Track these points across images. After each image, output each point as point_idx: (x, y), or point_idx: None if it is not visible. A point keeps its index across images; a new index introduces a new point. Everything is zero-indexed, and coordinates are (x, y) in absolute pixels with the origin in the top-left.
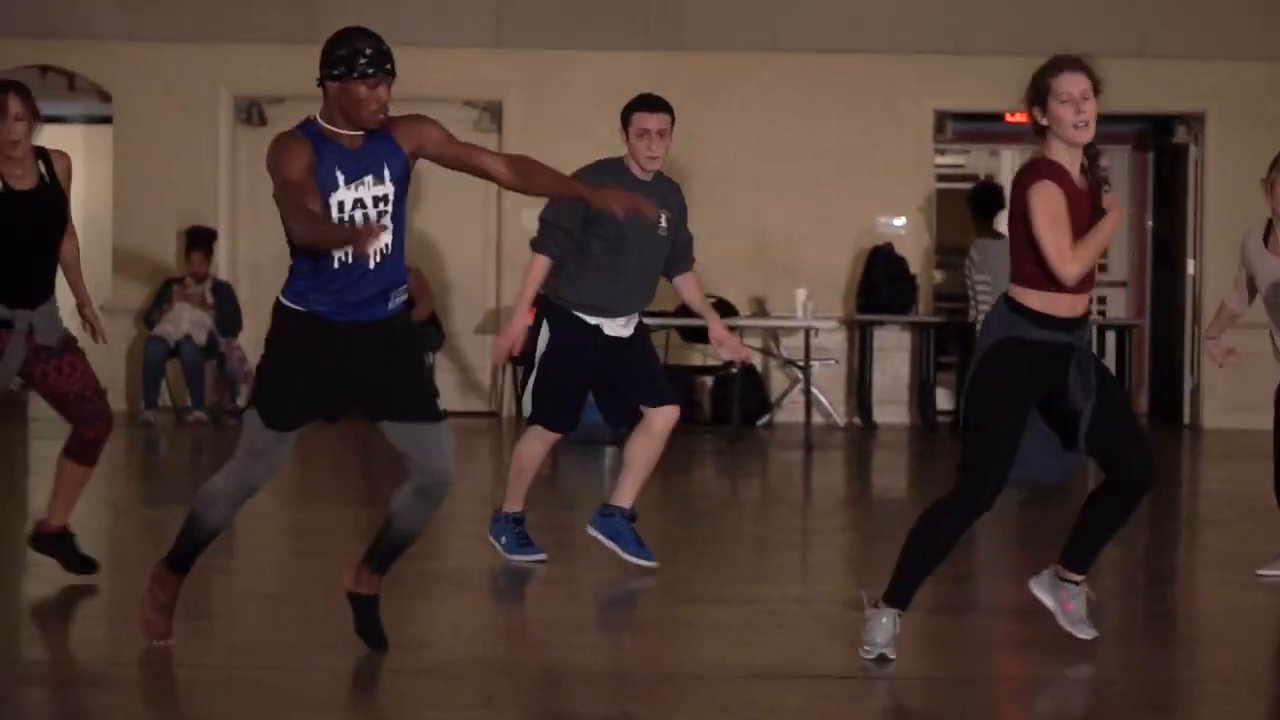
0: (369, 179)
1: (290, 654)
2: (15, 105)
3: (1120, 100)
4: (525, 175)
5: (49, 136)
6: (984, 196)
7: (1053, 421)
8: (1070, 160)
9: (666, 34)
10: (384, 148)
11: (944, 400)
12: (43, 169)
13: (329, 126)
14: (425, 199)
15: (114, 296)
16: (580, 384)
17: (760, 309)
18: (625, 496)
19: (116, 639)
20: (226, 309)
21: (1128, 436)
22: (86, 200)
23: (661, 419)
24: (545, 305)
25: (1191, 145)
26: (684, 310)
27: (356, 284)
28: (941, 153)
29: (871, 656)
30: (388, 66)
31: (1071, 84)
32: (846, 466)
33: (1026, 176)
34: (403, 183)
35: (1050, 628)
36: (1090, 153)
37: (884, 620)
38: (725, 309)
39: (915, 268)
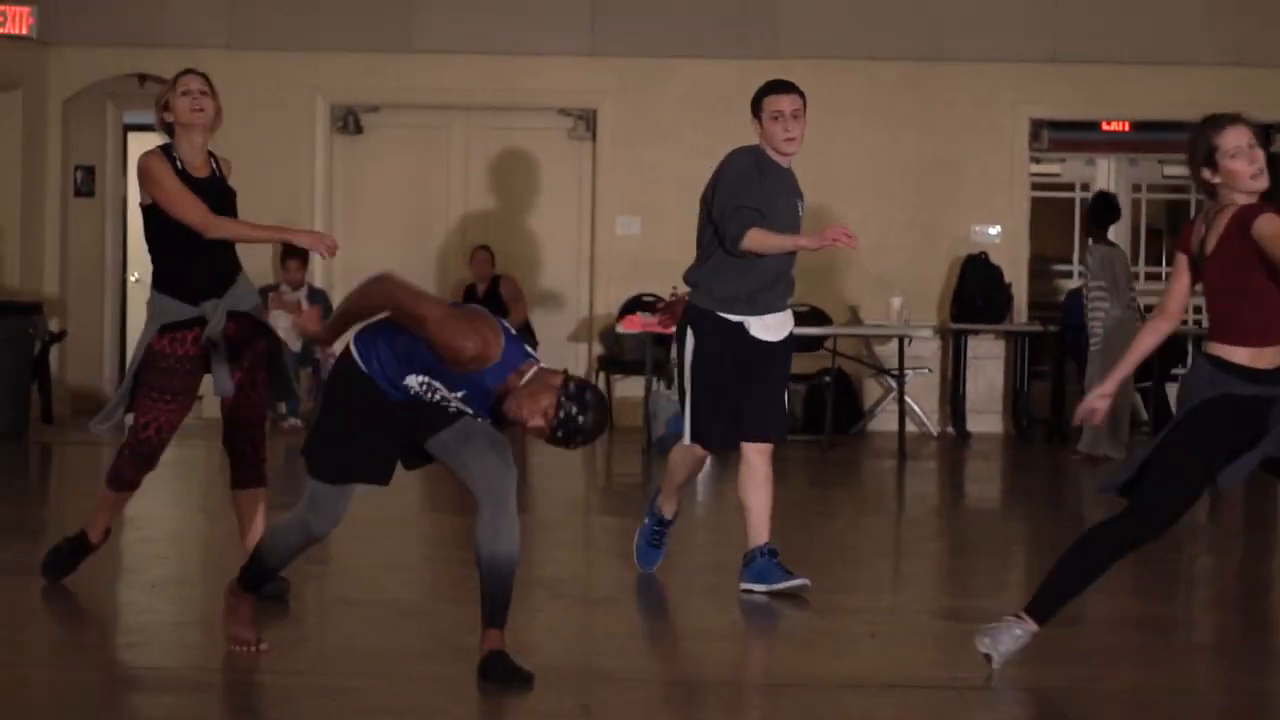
0: (460, 394)
1: (382, 661)
2: (196, 81)
3: (1218, 109)
4: None
5: (146, 143)
6: (1101, 205)
7: None
8: None
9: (762, 42)
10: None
11: (1039, 410)
12: (213, 164)
13: (505, 390)
14: (520, 207)
15: None
16: (730, 389)
17: (854, 317)
18: (759, 536)
19: (209, 645)
20: (322, 316)
21: None
22: None
23: (755, 453)
24: (688, 312)
25: None
26: None
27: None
28: (1037, 161)
29: (982, 650)
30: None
31: (1239, 137)
32: (940, 476)
33: (1243, 219)
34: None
35: (1148, 640)
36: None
37: (1016, 632)
38: (819, 317)
39: (1010, 277)
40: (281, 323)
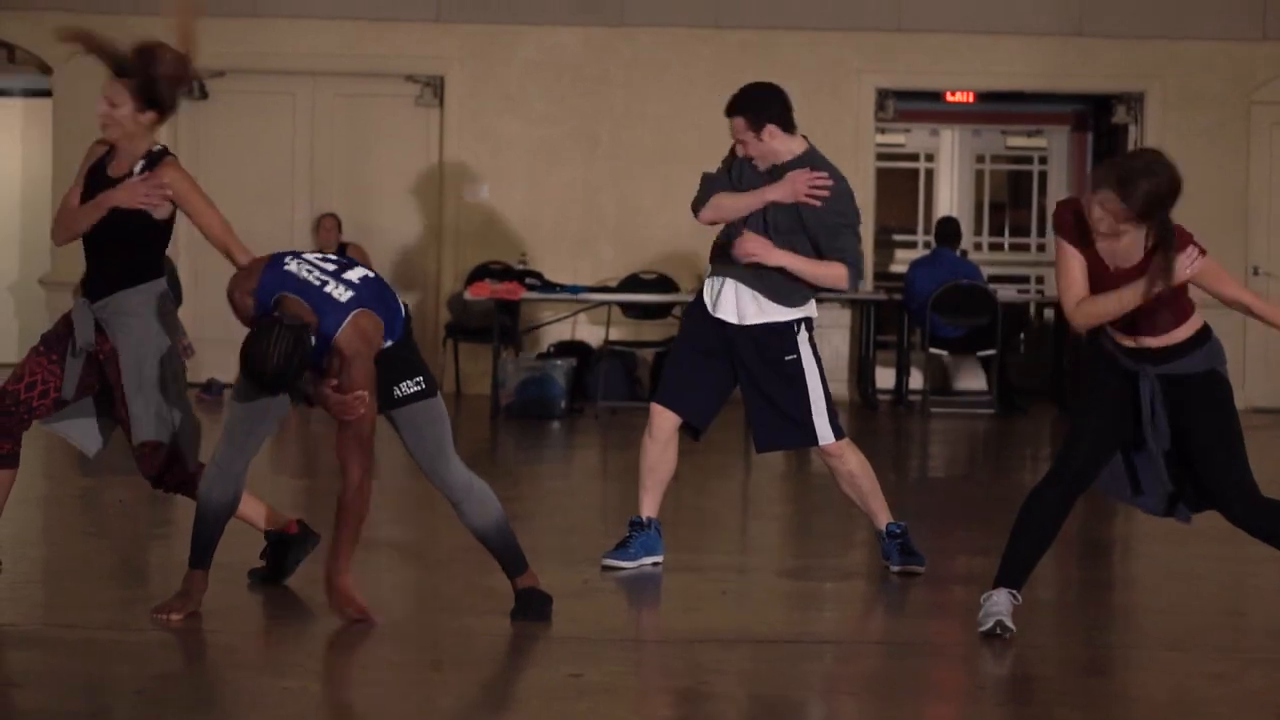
0: None
1: (237, 618)
2: (110, 88)
3: (1059, 80)
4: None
5: None
6: None
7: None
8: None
9: (609, 10)
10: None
11: (883, 378)
12: (138, 169)
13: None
14: (368, 174)
15: (54, 270)
16: (688, 355)
17: (702, 283)
18: (879, 518)
19: (50, 602)
20: (169, 283)
21: None
22: (26, 173)
23: (826, 457)
24: None
25: (1131, 125)
26: (626, 285)
27: None
28: (882, 131)
29: (987, 626)
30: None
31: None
32: None
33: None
34: None
35: None
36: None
37: (1000, 598)
38: (667, 285)
39: None
40: None
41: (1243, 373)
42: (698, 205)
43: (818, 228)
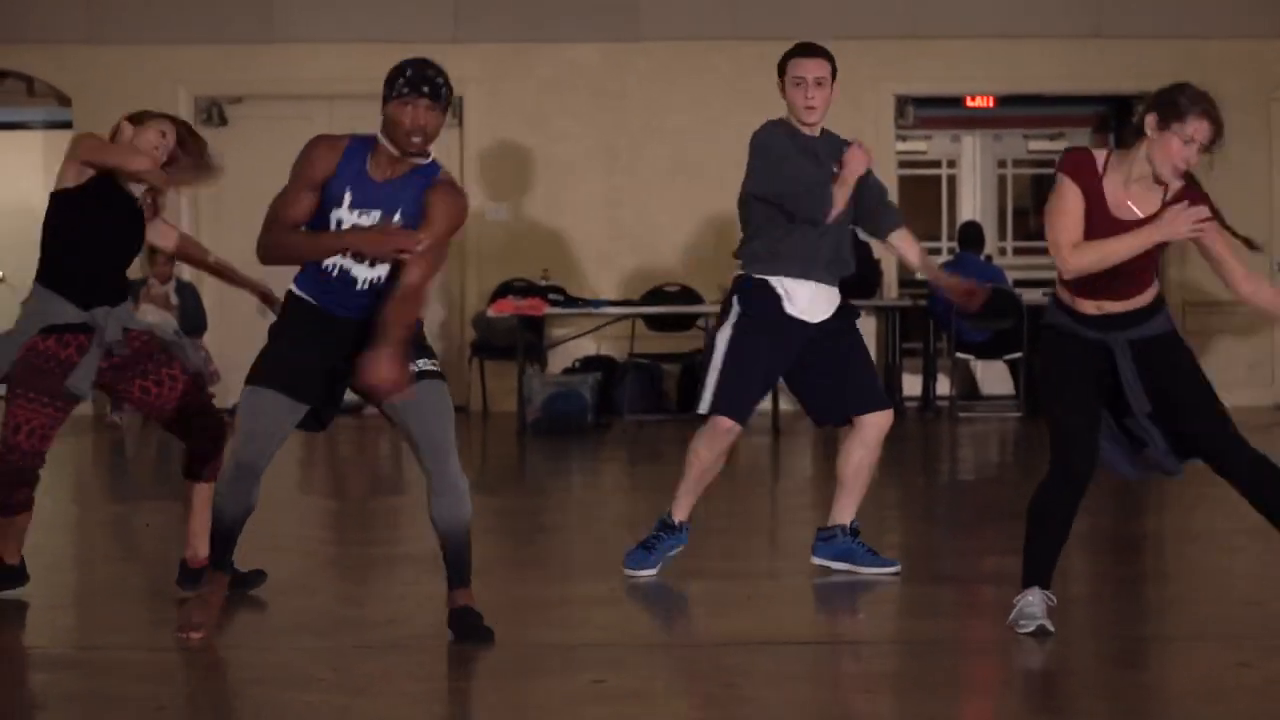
0: (377, 213)
1: (257, 633)
2: (173, 132)
3: (1078, 82)
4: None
5: (6, 143)
6: None
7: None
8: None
9: (625, 25)
10: (411, 195)
11: (910, 385)
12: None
13: (381, 144)
14: None
15: None
16: (767, 367)
17: (724, 293)
18: (844, 514)
19: (82, 625)
20: (191, 309)
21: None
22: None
23: (873, 428)
24: (734, 282)
25: None
26: (649, 298)
27: (343, 294)
28: (903, 139)
29: (1029, 630)
30: (425, 89)
31: (1200, 132)
32: (814, 449)
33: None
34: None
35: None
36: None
37: (1032, 598)
38: (690, 296)
39: (879, 253)
40: (150, 317)
41: (1271, 367)
42: (826, 206)
43: (870, 192)
